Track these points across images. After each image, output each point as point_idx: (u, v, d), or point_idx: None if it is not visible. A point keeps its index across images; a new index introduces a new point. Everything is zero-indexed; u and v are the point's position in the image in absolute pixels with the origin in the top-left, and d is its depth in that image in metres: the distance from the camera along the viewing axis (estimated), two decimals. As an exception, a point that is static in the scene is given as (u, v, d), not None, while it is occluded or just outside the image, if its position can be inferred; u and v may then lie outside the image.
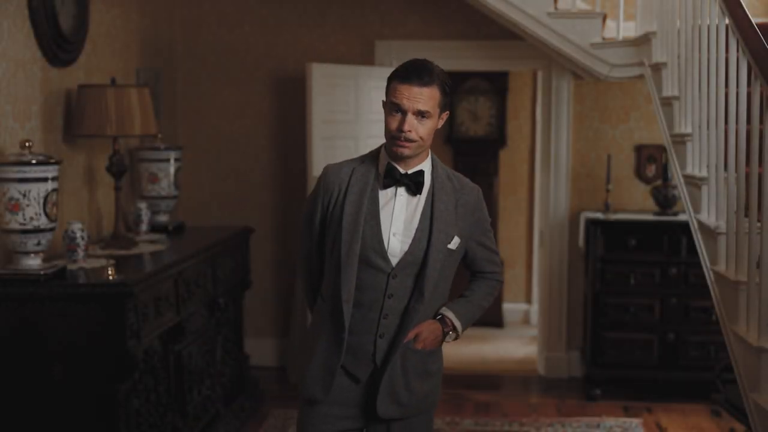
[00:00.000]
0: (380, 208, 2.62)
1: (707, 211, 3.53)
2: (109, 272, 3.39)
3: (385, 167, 2.62)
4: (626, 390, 5.47)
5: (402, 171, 2.61)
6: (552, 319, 5.86)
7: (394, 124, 2.56)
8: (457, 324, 2.70)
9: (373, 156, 2.69)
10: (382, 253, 2.60)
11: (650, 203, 5.72)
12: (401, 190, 2.63)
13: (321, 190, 2.68)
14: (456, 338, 2.73)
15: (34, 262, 3.39)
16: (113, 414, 3.32)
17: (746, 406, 2.96)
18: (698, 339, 5.30)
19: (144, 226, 4.52)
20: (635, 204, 5.80)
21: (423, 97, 2.53)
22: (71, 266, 3.63)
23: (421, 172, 2.62)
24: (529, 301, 7.43)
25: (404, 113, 2.54)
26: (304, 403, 2.74)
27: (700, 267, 3.61)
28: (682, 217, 5.26)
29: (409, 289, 2.63)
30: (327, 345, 2.65)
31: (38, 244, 3.36)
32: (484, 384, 5.74)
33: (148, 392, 3.67)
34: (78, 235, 3.69)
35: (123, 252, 4.05)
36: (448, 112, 2.67)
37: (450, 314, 2.70)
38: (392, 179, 2.61)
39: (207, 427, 4.35)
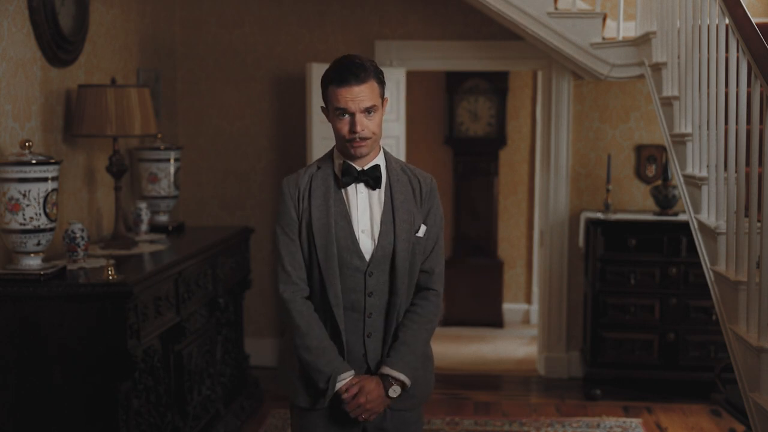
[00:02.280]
0: (348, 208, 2.64)
1: (707, 211, 3.53)
2: (109, 272, 3.38)
3: (342, 166, 2.64)
4: (626, 390, 5.47)
5: (358, 168, 2.64)
6: (552, 319, 5.87)
7: (345, 128, 2.58)
8: (401, 377, 2.62)
9: (327, 159, 2.70)
10: (357, 252, 2.62)
11: (650, 203, 5.72)
12: (361, 187, 2.65)
13: (288, 203, 2.66)
14: (402, 389, 2.64)
15: (34, 262, 3.39)
16: (113, 414, 3.32)
17: (746, 406, 2.96)
18: (698, 339, 5.30)
19: (144, 226, 4.52)
20: (635, 204, 5.80)
21: (365, 94, 2.55)
22: (71, 266, 3.63)
23: (377, 167, 2.65)
24: (529, 301, 7.43)
25: (352, 115, 2.56)
26: (299, 414, 2.73)
27: (700, 267, 3.61)
28: (682, 217, 5.26)
29: (387, 285, 2.64)
30: None
31: (38, 244, 3.36)
32: (484, 384, 5.75)
33: (148, 392, 3.67)
34: (78, 235, 3.69)
35: (123, 252, 4.05)
36: (387, 98, 2.69)
37: (388, 370, 2.62)
38: (351, 177, 2.63)
39: (207, 427, 4.35)
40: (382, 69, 2.70)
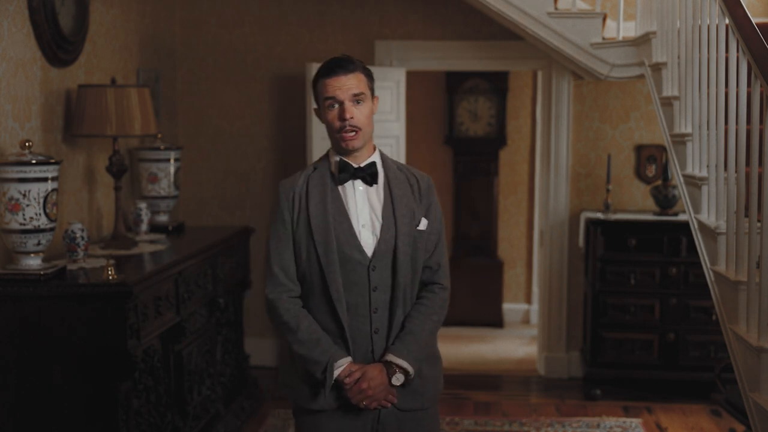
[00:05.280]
0: (345, 204, 2.65)
1: (707, 211, 3.53)
2: (109, 272, 3.38)
3: (338, 164, 2.67)
4: (626, 390, 5.47)
5: (355, 165, 2.66)
6: (552, 319, 5.87)
7: (335, 118, 2.62)
8: (404, 364, 2.61)
9: (323, 160, 2.74)
10: (358, 246, 2.62)
11: (650, 203, 5.72)
12: (358, 183, 2.67)
13: (283, 203, 2.68)
14: (406, 378, 2.63)
15: (34, 262, 3.39)
16: (113, 414, 3.32)
17: (746, 406, 2.96)
18: (698, 339, 5.30)
19: (144, 226, 4.52)
20: (635, 204, 5.80)
21: (352, 82, 2.62)
22: (71, 266, 3.63)
23: (373, 164, 2.68)
24: (529, 301, 7.43)
25: (341, 103, 2.61)
26: (306, 417, 2.71)
27: (700, 267, 3.61)
28: (682, 217, 5.26)
29: (390, 279, 2.65)
30: None
31: (38, 244, 3.36)
32: (484, 384, 5.74)
33: (148, 392, 3.67)
34: (78, 235, 3.69)
35: (123, 252, 4.05)
36: (377, 97, 2.73)
37: (392, 357, 2.61)
38: (348, 173, 2.66)
39: (207, 427, 4.35)
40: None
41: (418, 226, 2.68)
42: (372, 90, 2.68)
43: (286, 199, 2.68)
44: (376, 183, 2.67)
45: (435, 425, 2.79)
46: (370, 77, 2.68)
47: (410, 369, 2.62)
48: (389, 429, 2.68)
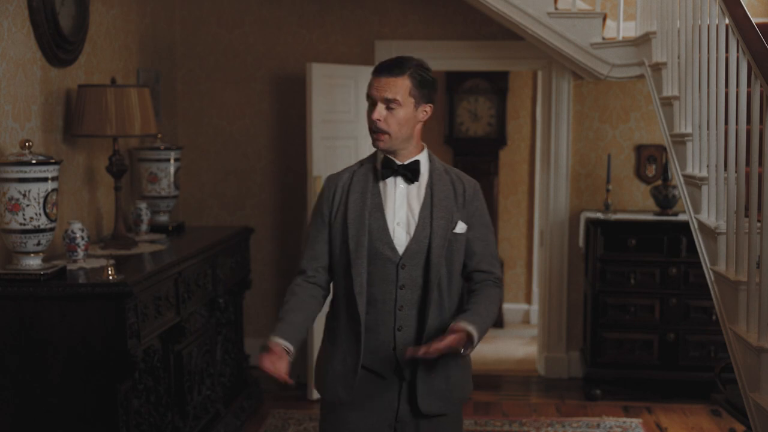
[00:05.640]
0: (383, 201, 2.67)
1: (707, 211, 3.53)
2: (109, 272, 3.38)
3: (382, 160, 2.69)
4: (626, 390, 5.47)
5: (398, 162, 2.68)
6: (552, 319, 5.87)
7: (368, 116, 2.66)
8: (474, 333, 2.59)
9: (371, 157, 2.77)
10: (389, 243, 2.64)
11: (650, 203, 5.72)
12: (400, 181, 2.69)
13: (325, 197, 2.74)
14: (471, 349, 2.63)
15: (34, 262, 3.39)
16: (113, 414, 3.32)
17: (746, 406, 2.96)
18: (698, 339, 5.30)
19: (144, 226, 4.52)
20: (635, 204, 5.80)
21: (390, 86, 2.61)
22: (71, 266, 3.63)
23: (416, 162, 2.69)
24: (529, 301, 7.43)
25: (375, 103, 2.63)
26: (327, 409, 2.74)
27: (700, 267, 3.61)
28: (682, 217, 5.26)
29: (421, 279, 2.65)
30: (345, 343, 2.68)
31: (38, 244, 3.36)
32: (484, 384, 5.74)
33: (148, 392, 3.67)
34: (78, 235, 3.69)
35: (123, 252, 4.05)
36: (431, 104, 2.70)
37: (467, 325, 2.58)
38: (390, 169, 2.67)
39: (207, 427, 4.35)
40: None
41: (454, 229, 2.68)
42: (418, 96, 2.63)
43: (327, 193, 2.73)
44: (417, 180, 2.69)
45: (456, 428, 2.78)
46: (419, 84, 2.63)
47: (476, 340, 2.59)
48: (408, 428, 2.69)
